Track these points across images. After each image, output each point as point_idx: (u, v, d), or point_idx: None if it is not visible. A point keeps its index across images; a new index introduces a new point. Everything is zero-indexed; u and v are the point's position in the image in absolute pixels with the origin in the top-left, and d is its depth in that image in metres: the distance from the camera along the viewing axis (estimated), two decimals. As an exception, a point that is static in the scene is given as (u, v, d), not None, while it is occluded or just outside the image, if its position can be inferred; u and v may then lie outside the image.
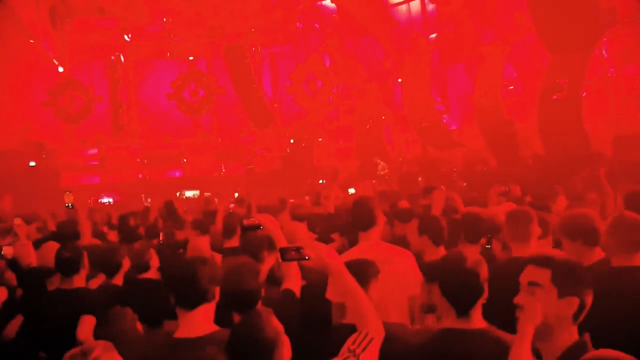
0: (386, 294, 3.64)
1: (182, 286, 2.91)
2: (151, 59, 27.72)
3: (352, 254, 3.77)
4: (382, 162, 21.14)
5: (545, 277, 2.36)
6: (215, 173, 26.88)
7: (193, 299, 2.88)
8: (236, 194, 13.26)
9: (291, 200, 11.26)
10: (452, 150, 20.07)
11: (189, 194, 23.31)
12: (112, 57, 26.75)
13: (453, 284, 2.79)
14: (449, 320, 2.78)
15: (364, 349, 2.39)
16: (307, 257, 2.50)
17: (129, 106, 26.99)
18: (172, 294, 2.95)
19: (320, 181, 21.36)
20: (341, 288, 2.56)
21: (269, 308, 3.19)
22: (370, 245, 3.96)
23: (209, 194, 19.97)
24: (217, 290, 2.98)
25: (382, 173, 20.11)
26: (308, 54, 26.52)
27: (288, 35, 27.32)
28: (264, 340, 2.24)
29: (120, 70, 26.83)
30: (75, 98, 24.86)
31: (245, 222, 3.93)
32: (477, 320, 2.77)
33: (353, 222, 4.22)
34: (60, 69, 24.60)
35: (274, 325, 2.29)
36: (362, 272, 3.03)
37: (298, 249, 2.52)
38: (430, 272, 3.43)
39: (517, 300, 2.37)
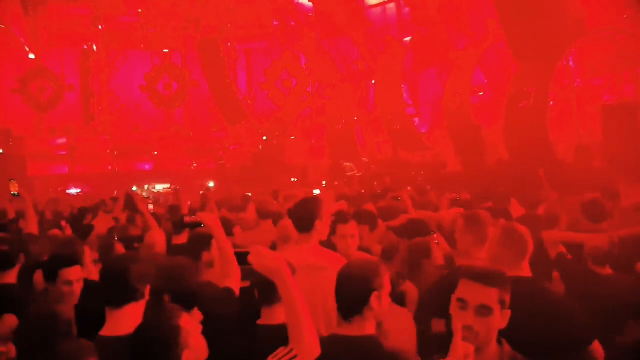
0: (316, 301, 3.60)
1: (111, 284, 2.87)
2: (124, 49, 27.44)
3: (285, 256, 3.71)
4: (349, 164, 21.16)
5: (494, 298, 2.34)
6: (186, 167, 26.75)
7: (121, 297, 2.84)
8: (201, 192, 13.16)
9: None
10: (422, 153, 20.22)
11: (159, 187, 23.12)
12: (85, 46, 26.41)
13: (338, 290, 2.78)
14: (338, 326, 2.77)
15: None
16: (249, 264, 2.48)
17: (100, 96, 26.65)
18: (102, 291, 2.91)
19: (293, 179, 21.38)
20: (283, 298, 2.51)
21: (209, 304, 3.22)
22: (306, 249, 3.87)
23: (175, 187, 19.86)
24: (148, 289, 2.94)
25: (349, 174, 20.13)
26: (283, 51, 26.51)
27: (264, 32, 27.28)
28: (162, 339, 2.21)
29: (93, 59, 26.48)
30: (45, 86, 24.56)
31: (187, 219, 3.89)
32: (362, 327, 2.70)
33: (293, 223, 4.16)
34: (31, 56, 24.21)
35: (177, 324, 2.25)
36: None
37: (245, 255, 2.50)
38: None
39: (466, 322, 2.27)
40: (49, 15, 24.50)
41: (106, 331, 2.82)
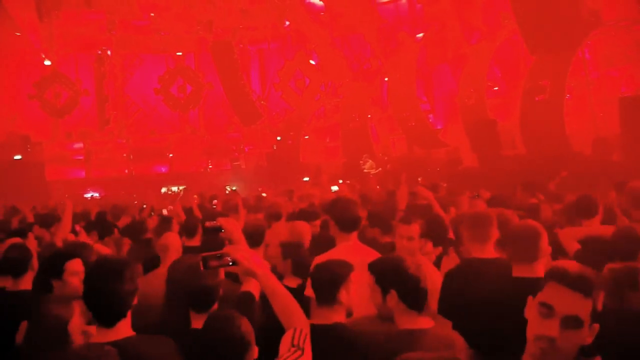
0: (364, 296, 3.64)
1: (99, 304, 2.69)
2: (138, 53, 27.66)
3: (333, 254, 3.77)
4: (370, 161, 21.08)
5: (587, 310, 1.99)
6: (202, 169, 26.89)
7: (112, 316, 2.68)
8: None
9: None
10: (437, 149, 20.12)
11: (175, 189, 23.24)
12: (99, 51, 26.65)
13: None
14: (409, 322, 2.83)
15: (304, 341, 2.46)
16: (230, 263, 2.48)
17: (115, 100, 26.93)
18: (89, 308, 2.73)
19: (305, 179, 21.38)
20: (267, 291, 2.59)
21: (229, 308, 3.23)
22: (350, 247, 3.97)
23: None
24: (135, 298, 2.79)
25: (367, 171, 20.07)
26: (296, 51, 26.53)
27: (276, 32, 27.32)
28: (241, 338, 2.30)
29: (107, 64, 26.76)
30: (61, 91, 24.76)
31: (207, 224, 3.91)
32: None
33: (335, 222, 4.13)
34: (47, 62, 24.48)
35: (249, 326, 2.34)
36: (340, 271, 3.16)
37: (222, 256, 2.53)
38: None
39: (549, 332, 1.98)
40: (63, 21, 24.71)
41: (96, 339, 2.70)
